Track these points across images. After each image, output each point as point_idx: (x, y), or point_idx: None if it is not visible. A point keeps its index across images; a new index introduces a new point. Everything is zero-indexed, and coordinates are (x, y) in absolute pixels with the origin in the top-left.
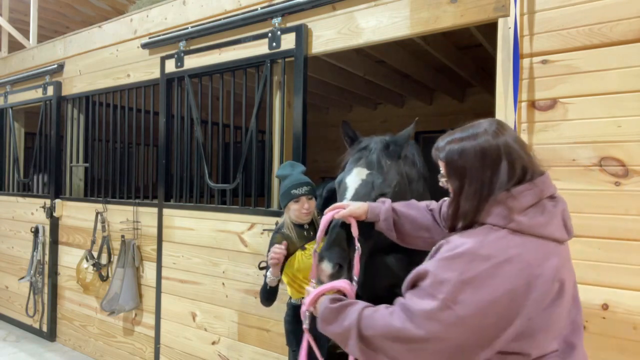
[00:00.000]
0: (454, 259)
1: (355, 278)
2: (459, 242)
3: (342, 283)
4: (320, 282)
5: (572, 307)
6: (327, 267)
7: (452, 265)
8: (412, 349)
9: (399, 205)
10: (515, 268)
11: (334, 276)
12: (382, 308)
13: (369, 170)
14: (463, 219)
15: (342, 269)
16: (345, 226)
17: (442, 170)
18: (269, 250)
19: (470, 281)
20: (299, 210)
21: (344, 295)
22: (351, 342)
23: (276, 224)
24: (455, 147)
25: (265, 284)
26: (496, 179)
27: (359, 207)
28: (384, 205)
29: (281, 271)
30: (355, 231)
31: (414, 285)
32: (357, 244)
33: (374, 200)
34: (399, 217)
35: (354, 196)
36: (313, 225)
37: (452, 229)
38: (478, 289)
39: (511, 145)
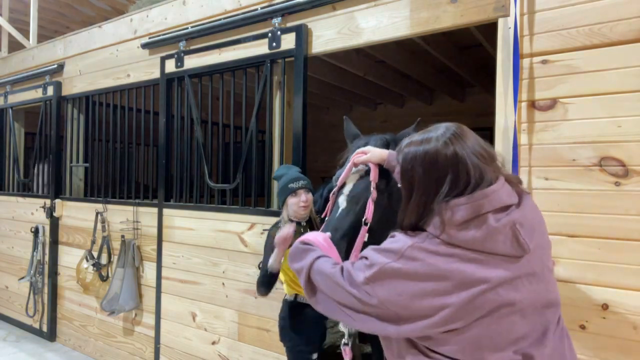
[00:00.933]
0: (386, 251)
1: (368, 222)
2: (398, 237)
3: (317, 236)
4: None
5: (536, 320)
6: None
7: (383, 255)
8: (336, 292)
9: None
10: (436, 275)
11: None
12: (330, 263)
13: (367, 167)
14: (408, 227)
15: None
16: (348, 215)
17: (398, 173)
18: (265, 246)
19: (388, 274)
20: (296, 204)
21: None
22: (302, 279)
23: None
24: (409, 151)
25: (265, 270)
26: (440, 189)
27: (380, 154)
28: None
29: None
30: (373, 175)
31: (360, 258)
32: (373, 188)
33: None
34: None
35: (350, 192)
36: (310, 223)
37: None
38: (390, 282)
39: (460, 155)
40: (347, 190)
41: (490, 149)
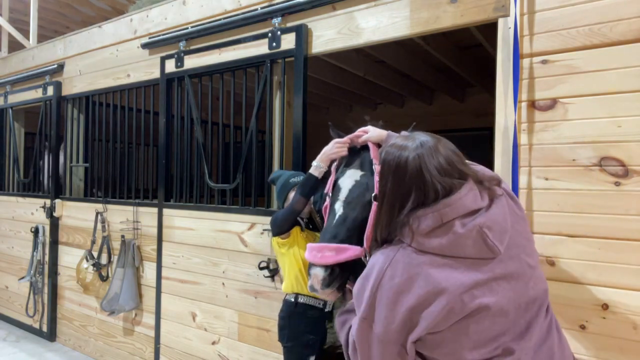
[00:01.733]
0: (367, 277)
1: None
2: (374, 260)
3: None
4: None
5: (519, 316)
6: (319, 272)
7: (365, 283)
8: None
9: None
10: (416, 285)
11: (325, 281)
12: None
13: (362, 172)
14: (383, 241)
15: (333, 273)
16: (345, 222)
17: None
18: (275, 219)
19: (377, 300)
20: None
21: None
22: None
23: None
24: (386, 158)
25: (309, 176)
26: (405, 204)
27: (379, 134)
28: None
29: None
30: (373, 154)
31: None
32: (375, 164)
33: (369, 202)
34: None
35: (347, 197)
36: (311, 220)
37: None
38: (382, 305)
39: (426, 176)
40: (342, 196)
41: (459, 158)
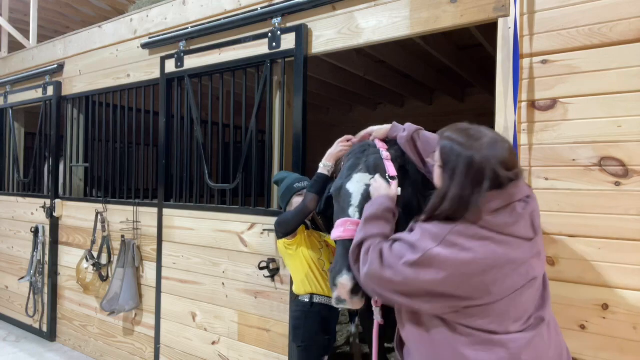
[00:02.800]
0: (430, 235)
1: (395, 177)
2: (436, 225)
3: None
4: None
5: (543, 291)
6: (346, 281)
7: (427, 239)
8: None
9: (422, 131)
10: (472, 255)
11: (354, 291)
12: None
13: (371, 175)
14: (442, 216)
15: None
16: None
17: (437, 157)
18: (282, 220)
19: (430, 259)
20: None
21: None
22: (353, 245)
23: None
24: (454, 147)
25: (319, 175)
26: (477, 192)
27: (385, 130)
28: (407, 124)
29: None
30: (380, 145)
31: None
32: (385, 150)
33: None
34: (420, 138)
35: (360, 203)
36: (314, 222)
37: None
38: (431, 266)
39: (497, 161)
40: (355, 201)
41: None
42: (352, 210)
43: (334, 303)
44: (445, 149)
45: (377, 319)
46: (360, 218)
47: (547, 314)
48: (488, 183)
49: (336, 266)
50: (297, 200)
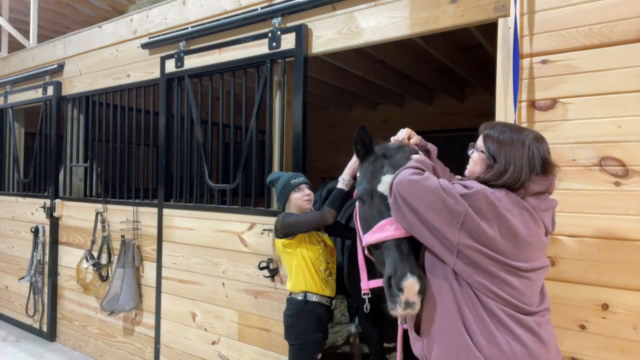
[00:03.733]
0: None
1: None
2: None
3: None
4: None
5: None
6: (413, 283)
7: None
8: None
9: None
10: (512, 217)
11: (422, 289)
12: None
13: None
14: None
15: (423, 278)
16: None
17: (481, 143)
18: (286, 224)
19: (481, 196)
20: (300, 198)
21: None
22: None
23: None
24: (506, 132)
25: (337, 189)
26: (528, 171)
27: (420, 138)
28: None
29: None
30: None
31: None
32: (420, 153)
33: None
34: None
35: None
36: None
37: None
38: (482, 202)
39: (547, 147)
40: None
41: None
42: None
43: (400, 308)
44: (495, 134)
45: (402, 324)
46: None
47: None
48: (540, 165)
49: (396, 271)
50: (296, 197)
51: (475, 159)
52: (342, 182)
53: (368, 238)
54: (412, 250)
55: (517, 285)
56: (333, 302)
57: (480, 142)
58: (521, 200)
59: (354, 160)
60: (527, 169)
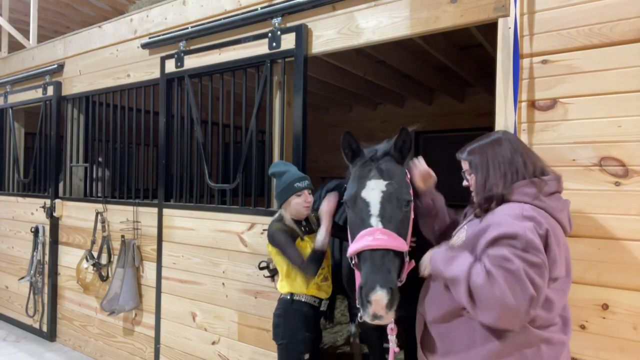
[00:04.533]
0: (517, 221)
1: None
2: (507, 212)
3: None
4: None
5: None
6: (382, 296)
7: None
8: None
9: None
10: (550, 230)
11: (389, 306)
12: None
13: (385, 181)
14: (495, 193)
15: (394, 292)
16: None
17: (467, 165)
18: (281, 242)
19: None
20: (301, 204)
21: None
22: (461, 289)
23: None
24: (480, 146)
25: (315, 251)
26: (515, 170)
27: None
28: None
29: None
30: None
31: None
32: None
33: (402, 211)
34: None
35: (381, 211)
36: (307, 222)
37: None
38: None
39: (517, 146)
40: (375, 210)
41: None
42: (375, 220)
43: (368, 319)
44: (466, 152)
45: (393, 346)
46: (384, 227)
47: (568, 316)
48: (525, 165)
49: (366, 282)
50: (296, 202)
51: (472, 184)
52: (320, 242)
53: (350, 249)
54: (392, 263)
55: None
56: (323, 302)
57: (464, 166)
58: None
59: (326, 219)
60: (521, 161)
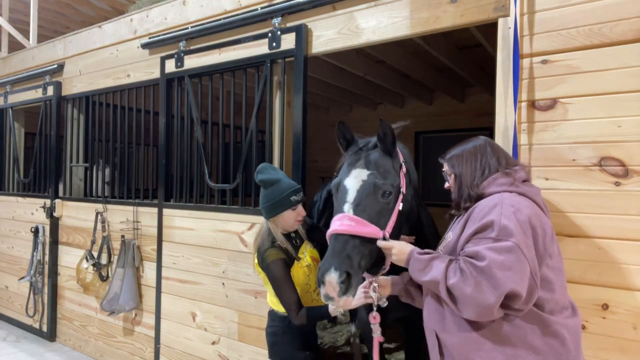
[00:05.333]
0: (493, 209)
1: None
2: (489, 202)
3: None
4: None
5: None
6: (333, 278)
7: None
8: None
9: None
10: (533, 212)
11: (342, 290)
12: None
13: (369, 171)
14: (473, 190)
15: (349, 278)
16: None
17: (448, 167)
18: (276, 278)
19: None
20: (294, 218)
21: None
22: (441, 290)
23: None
24: (456, 152)
25: (322, 313)
26: (488, 167)
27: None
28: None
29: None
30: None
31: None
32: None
33: (380, 202)
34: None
35: (355, 199)
36: (297, 232)
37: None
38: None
39: (492, 145)
40: (350, 197)
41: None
42: (347, 207)
43: (323, 299)
44: (446, 158)
45: (377, 335)
46: (354, 214)
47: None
48: (499, 156)
49: (325, 263)
50: (290, 216)
51: (452, 186)
52: (333, 309)
53: (329, 230)
54: (355, 249)
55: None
56: None
57: (445, 168)
58: (522, 202)
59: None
60: (495, 160)
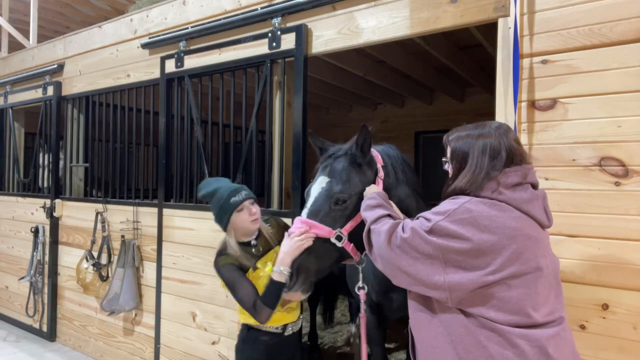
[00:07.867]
0: (441, 212)
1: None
2: (455, 200)
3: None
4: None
5: (556, 287)
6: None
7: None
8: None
9: None
10: (492, 223)
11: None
12: (390, 222)
13: (329, 178)
14: (459, 191)
15: (299, 273)
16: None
17: (450, 153)
18: (230, 281)
19: (457, 222)
20: (245, 219)
21: None
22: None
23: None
24: (464, 134)
25: (272, 282)
26: (492, 163)
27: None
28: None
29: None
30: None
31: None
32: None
33: (333, 208)
34: None
35: (312, 204)
36: (262, 237)
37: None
38: (447, 234)
39: (507, 144)
40: (309, 203)
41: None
42: (305, 212)
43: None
44: (452, 138)
45: (363, 312)
46: (308, 217)
47: (564, 312)
48: (505, 153)
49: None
50: (239, 219)
51: (450, 172)
52: (279, 274)
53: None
54: (309, 247)
55: (510, 302)
56: (290, 326)
57: (447, 152)
58: (498, 203)
59: (291, 245)
60: (488, 159)
